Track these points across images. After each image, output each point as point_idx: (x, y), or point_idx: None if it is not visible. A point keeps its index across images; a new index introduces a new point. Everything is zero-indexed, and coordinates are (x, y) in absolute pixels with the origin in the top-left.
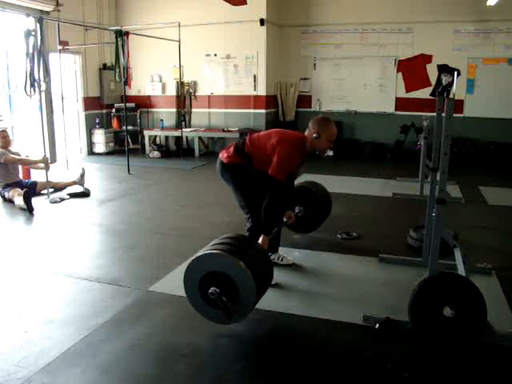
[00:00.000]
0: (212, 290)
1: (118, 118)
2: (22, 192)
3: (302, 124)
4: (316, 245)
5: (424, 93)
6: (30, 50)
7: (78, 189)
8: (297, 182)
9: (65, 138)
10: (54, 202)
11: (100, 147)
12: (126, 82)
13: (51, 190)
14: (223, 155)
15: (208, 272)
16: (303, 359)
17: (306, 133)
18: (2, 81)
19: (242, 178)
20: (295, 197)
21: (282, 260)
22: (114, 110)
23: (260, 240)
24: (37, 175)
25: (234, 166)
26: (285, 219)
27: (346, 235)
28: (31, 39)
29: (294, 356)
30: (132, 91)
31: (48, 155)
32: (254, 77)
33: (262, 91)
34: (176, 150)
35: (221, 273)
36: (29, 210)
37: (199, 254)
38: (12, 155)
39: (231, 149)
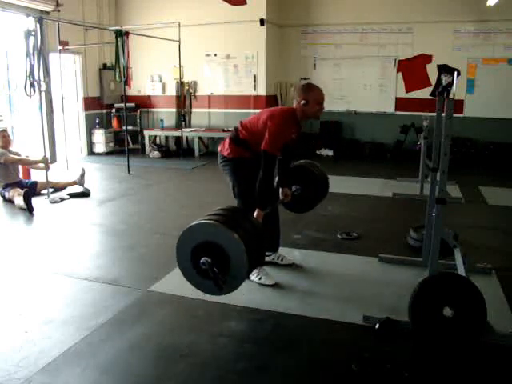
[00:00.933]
0: (203, 259)
1: (118, 118)
2: (22, 192)
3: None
4: (316, 245)
5: (424, 93)
6: (30, 50)
7: (78, 189)
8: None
9: (65, 138)
10: (54, 201)
11: (100, 147)
12: (126, 82)
13: (51, 189)
14: (222, 149)
15: (201, 242)
16: (303, 359)
17: (294, 104)
18: (2, 81)
19: (242, 173)
20: (293, 176)
21: (281, 260)
22: (113, 110)
23: (255, 214)
24: (37, 175)
25: (233, 160)
26: (281, 197)
27: (345, 235)
28: (31, 39)
29: (294, 356)
30: (132, 91)
31: (48, 155)
32: (254, 77)
33: (262, 91)
34: (176, 150)
35: (213, 243)
36: (29, 210)
37: (193, 223)
38: (12, 155)
39: (227, 141)
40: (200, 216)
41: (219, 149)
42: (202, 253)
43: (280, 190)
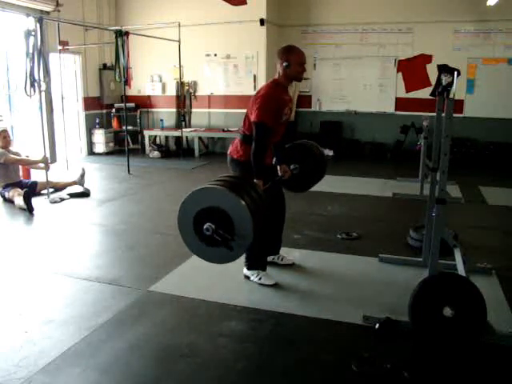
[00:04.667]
0: (207, 225)
1: (118, 118)
2: (22, 192)
3: (302, 124)
4: (316, 245)
5: (424, 93)
6: (30, 50)
7: (78, 189)
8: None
9: (65, 138)
10: (54, 201)
11: (100, 147)
12: (126, 82)
13: (51, 190)
14: (232, 151)
15: (201, 209)
16: (303, 359)
17: (277, 69)
18: (2, 81)
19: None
20: (292, 154)
21: (281, 260)
22: (113, 110)
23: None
24: (37, 175)
25: (244, 163)
26: (280, 173)
27: (345, 235)
28: (31, 39)
29: (294, 356)
30: (132, 91)
31: (48, 155)
32: (254, 77)
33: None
34: (176, 150)
35: (214, 208)
36: (29, 210)
37: (194, 189)
38: (12, 155)
39: (238, 142)
40: None
41: (229, 151)
42: (203, 221)
43: (278, 167)
